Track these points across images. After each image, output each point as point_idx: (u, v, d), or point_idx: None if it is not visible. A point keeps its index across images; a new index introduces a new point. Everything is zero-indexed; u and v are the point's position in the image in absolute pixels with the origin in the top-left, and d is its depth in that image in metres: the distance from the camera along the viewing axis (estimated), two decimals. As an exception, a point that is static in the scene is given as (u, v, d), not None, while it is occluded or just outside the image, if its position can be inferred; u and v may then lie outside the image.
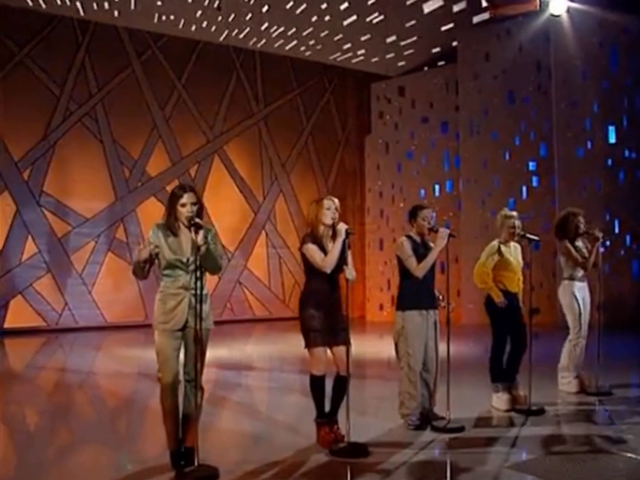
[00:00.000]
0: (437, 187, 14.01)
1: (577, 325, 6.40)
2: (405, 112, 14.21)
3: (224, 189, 14.24)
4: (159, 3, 11.30)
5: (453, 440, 4.86)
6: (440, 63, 14.08)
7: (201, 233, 4.06)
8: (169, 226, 4.20)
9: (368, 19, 12.67)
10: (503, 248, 5.90)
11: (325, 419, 4.70)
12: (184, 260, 4.15)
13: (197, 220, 4.09)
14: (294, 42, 13.27)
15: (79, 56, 12.69)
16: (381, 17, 12.68)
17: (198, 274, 4.15)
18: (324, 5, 12.11)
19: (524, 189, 12.73)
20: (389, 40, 13.42)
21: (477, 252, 12.62)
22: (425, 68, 14.27)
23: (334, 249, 4.57)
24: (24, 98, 12.06)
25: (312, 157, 15.42)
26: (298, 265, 15.03)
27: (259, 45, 13.45)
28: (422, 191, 14.01)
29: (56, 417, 5.95)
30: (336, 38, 13.15)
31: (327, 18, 12.51)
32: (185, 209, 4.14)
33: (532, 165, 12.74)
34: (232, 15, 12.03)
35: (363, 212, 15.13)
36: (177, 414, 4.20)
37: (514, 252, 5.96)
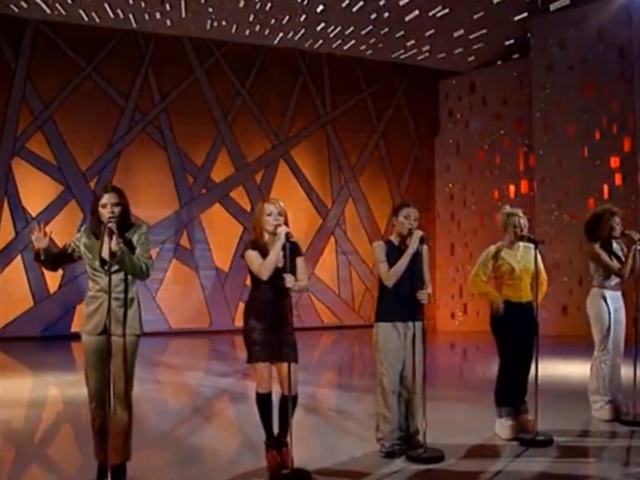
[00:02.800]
0: (511, 187, 13.08)
1: (603, 340, 5.56)
2: (476, 109, 13.39)
3: (290, 195, 13.99)
4: (210, 10, 11.25)
5: (424, 472, 4.29)
6: (515, 56, 13.13)
7: (115, 238, 3.86)
8: (91, 228, 4.04)
9: (431, 14, 12.04)
10: (504, 252, 5.17)
11: (273, 441, 4.29)
12: (97, 263, 3.96)
13: (109, 225, 3.88)
14: (352, 42, 12.83)
15: (143, 67, 12.95)
16: (446, 11, 12.01)
17: (122, 276, 4.01)
18: (381, 2, 11.62)
19: (605, 188, 11.58)
20: (456, 34, 12.68)
21: (553, 257, 11.82)
22: (499, 62, 13.36)
23: (271, 254, 4.17)
24: (91, 110, 12.43)
25: (384, 159, 14.89)
26: (369, 271, 14.59)
27: (315, 46, 13.13)
28: (496, 193, 13.13)
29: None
30: (398, 35, 12.60)
31: (386, 15, 12.00)
32: (106, 209, 3.97)
33: (614, 162, 11.57)
34: (287, 17, 11.80)
35: (434, 216, 14.41)
36: (103, 427, 3.96)
37: (521, 256, 5.18)
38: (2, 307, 11.79)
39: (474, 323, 13.15)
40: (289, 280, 4.12)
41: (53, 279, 12.22)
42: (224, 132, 13.58)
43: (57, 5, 10.87)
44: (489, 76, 13.27)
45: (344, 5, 11.63)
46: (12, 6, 11.12)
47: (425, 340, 4.71)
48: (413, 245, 4.62)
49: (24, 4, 10.93)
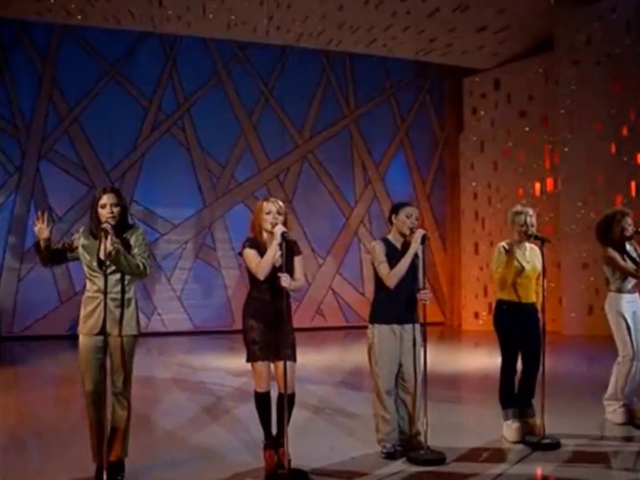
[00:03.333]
0: (537, 185, 12.86)
1: (626, 345, 5.43)
2: (501, 107, 13.19)
3: (313, 194, 14.04)
4: (229, 11, 11.31)
5: (424, 474, 4.25)
6: (540, 51, 12.88)
7: (110, 238, 3.91)
8: (91, 229, 4.10)
9: (453, 9, 11.90)
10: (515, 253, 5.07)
11: (271, 441, 4.29)
12: (94, 263, 4.02)
13: (104, 225, 3.94)
14: (373, 40, 12.75)
15: (167, 69, 13.09)
16: (468, 6, 11.86)
17: (119, 277, 4.09)
18: (399, -1, 11.53)
19: (633, 185, 11.30)
20: (479, 30, 12.51)
21: (580, 256, 11.58)
22: (524, 58, 13.13)
23: (268, 253, 4.17)
24: (115, 111, 12.60)
25: (409, 158, 14.79)
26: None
27: (335, 45, 13.08)
28: (521, 191, 12.92)
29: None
30: (419, 32, 12.48)
31: (406, 12, 11.89)
32: (105, 210, 4.05)
33: (643, 159, 11.30)
34: (306, 17, 11.79)
35: (459, 215, 14.25)
36: (99, 426, 4.02)
37: (529, 256, 5.08)
38: (30, 306, 12.04)
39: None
40: (284, 279, 4.12)
41: (79, 279, 12.41)
42: (247, 132, 13.64)
43: (79, 10, 11.02)
44: (513, 72, 13.06)
45: (363, 3, 11.57)
46: (38, 13, 11.32)
47: (424, 341, 4.64)
48: (414, 245, 4.57)
49: (48, 11, 11.11)
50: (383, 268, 4.62)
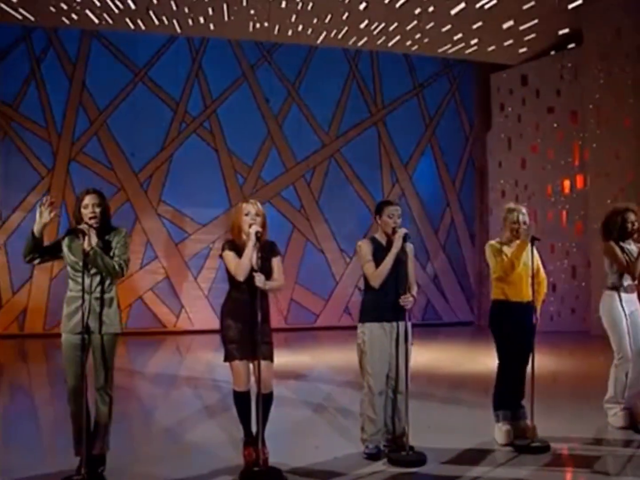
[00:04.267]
0: (566, 183, 12.59)
1: (621, 346, 5.29)
2: (528, 103, 12.95)
3: (341, 193, 14.05)
4: (252, 12, 11.40)
5: (401, 475, 4.24)
6: (569, 46, 12.61)
7: (87, 238, 4.04)
8: (75, 230, 4.21)
9: (478, 5, 11.73)
10: (505, 248, 5.00)
11: (250, 439, 4.34)
12: (80, 264, 4.12)
13: (81, 226, 4.08)
14: (397, 38, 12.67)
15: (194, 71, 13.30)
16: (494, 2, 11.68)
17: (100, 277, 4.19)
18: (425, -4, 11.43)
19: (664, 182, 10.97)
20: (505, 26, 12.30)
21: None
22: (552, 53, 12.87)
23: (245, 254, 4.22)
24: (144, 114, 12.88)
25: (437, 156, 14.67)
26: (422, 270, 14.42)
27: (359, 44, 13.05)
28: (549, 188, 12.67)
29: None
30: (444, 29, 12.34)
31: (430, 9, 11.79)
32: (87, 210, 4.20)
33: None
34: (329, 16, 11.80)
35: (488, 213, 14.05)
36: (80, 420, 4.13)
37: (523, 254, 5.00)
38: (61, 305, 12.36)
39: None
40: (258, 279, 4.17)
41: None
42: (273, 132, 13.73)
43: (105, 15, 11.28)
44: (541, 68, 12.80)
45: (386, 1, 11.51)
46: (67, 19, 11.63)
47: (408, 340, 4.63)
48: (396, 244, 4.57)
49: (74, 17, 11.41)
50: (368, 267, 4.64)
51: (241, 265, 4.22)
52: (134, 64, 12.96)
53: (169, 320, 13.01)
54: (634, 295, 5.40)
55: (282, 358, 10.07)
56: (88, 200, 4.19)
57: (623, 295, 5.33)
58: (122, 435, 5.03)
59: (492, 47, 12.97)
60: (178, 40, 13.02)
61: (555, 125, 12.63)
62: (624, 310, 5.31)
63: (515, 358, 4.92)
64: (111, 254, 4.19)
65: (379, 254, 4.63)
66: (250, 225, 4.26)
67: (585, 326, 11.86)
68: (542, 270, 5.11)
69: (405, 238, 4.57)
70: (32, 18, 11.55)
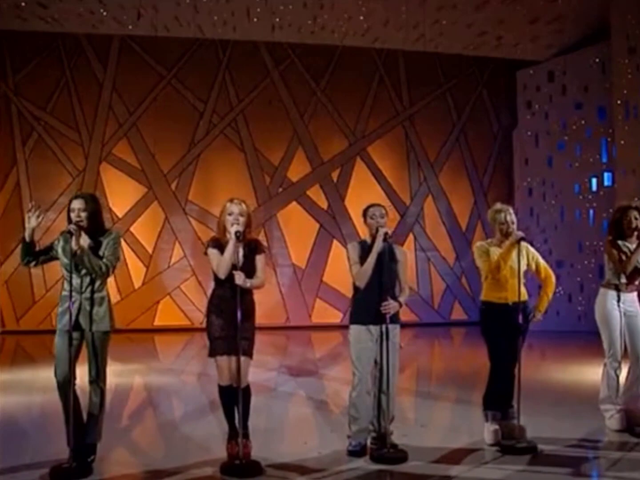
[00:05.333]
0: (594, 180, 12.36)
1: (612, 345, 5.21)
2: (555, 100, 12.76)
3: (367, 192, 14.02)
4: (273, 14, 11.54)
5: (378, 472, 4.31)
6: (596, 41, 12.36)
7: (74, 239, 4.20)
8: (64, 230, 4.41)
9: (501, 1, 11.64)
10: (492, 250, 4.99)
11: (234, 433, 4.47)
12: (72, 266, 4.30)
13: (70, 227, 4.25)
14: (419, 36, 12.63)
15: (220, 72, 13.51)
16: (519, -3, 11.58)
17: (89, 278, 4.40)
18: (447, -6, 11.40)
19: (695, 178, 10.70)
20: (531, 21, 12.17)
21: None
22: (579, 48, 12.64)
23: (226, 253, 4.36)
24: (172, 115, 13.15)
25: (465, 155, 14.56)
26: (449, 269, 14.36)
27: (382, 44, 13.07)
28: (577, 186, 12.46)
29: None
30: (467, 26, 12.27)
31: (452, 6, 11.74)
32: (74, 214, 4.41)
33: None
34: (350, 17, 11.86)
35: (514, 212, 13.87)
36: (69, 413, 4.31)
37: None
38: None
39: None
40: (237, 277, 4.30)
41: (138, 276, 13.07)
42: (300, 131, 13.85)
43: (130, 20, 11.58)
44: (568, 64, 12.60)
45: (406, -1, 11.52)
46: (97, 23, 12.00)
47: (392, 341, 4.67)
48: (376, 244, 4.64)
49: (101, 23, 11.76)
50: (354, 269, 4.72)
51: (221, 263, 4.35)
52: (163, 66, 13.25)
53: (195, 317, 13.26)
54: (633, 295, 5.31)
55: (301, 355, 10.28)
56: (74, 204, 4.41)
57: (621, 294, 5.25)
58: (115, 426, 5.22)
59: (518, 43, 12.83)
60: (205, 42, 13.24)
61: (582, 122, 12.42)
62: (619, 308, 5.23)
63: (503, 359, 4.92)
64: (100, 254, 4.37)
65: (366, 255, 4.71)
66: (232, 225, 4.39)
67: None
68: (546, 268, 5.07)
69: (385, 237, 4.62)
70: (62, 24, 11.94)
